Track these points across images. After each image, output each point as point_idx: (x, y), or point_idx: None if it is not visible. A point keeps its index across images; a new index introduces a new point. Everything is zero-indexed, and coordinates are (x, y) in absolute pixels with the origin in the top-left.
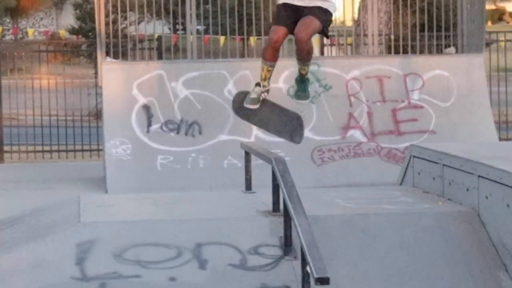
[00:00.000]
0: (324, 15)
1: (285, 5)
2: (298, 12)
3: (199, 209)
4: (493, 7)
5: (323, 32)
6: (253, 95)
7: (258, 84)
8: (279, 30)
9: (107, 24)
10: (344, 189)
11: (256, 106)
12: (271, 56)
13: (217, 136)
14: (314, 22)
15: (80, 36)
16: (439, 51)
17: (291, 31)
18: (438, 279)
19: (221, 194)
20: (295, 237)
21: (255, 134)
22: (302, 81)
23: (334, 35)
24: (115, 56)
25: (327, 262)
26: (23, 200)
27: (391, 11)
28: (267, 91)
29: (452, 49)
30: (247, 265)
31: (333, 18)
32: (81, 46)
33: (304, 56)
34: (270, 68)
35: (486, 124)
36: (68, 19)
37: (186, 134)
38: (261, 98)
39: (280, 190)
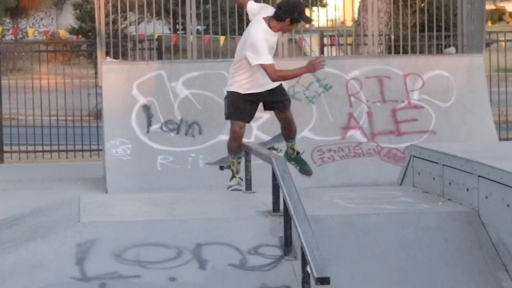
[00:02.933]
0: (285, 94)
1: (241, 95)
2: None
3: (199, 209)
4: (493, 7)
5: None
6: (235, 186)
7: (234, 177)
8: (240, 126)
9: (107, 24)
10: (344, 189)
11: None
12: (237, 148)
13: (217, 136)
14: (289, 114)
15: (80, 36)
16: (439, 51)
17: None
18: (438, 279)
19: (221, 194)
20: (295, 237)
21: (255, 134)
22: (297, 160)
23: (334, 35)
24: (115, 56)
25: (327, 262)
26: (23, 200)
27: (391, 11)
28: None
29: (452, 49)
30: (247, 265)
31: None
32: (81, 46)
33: (292, 131)
34: (239, 160)
35: (486, 124)
36: (68, 19)
37: (186, 134)
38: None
39: (280, 190)
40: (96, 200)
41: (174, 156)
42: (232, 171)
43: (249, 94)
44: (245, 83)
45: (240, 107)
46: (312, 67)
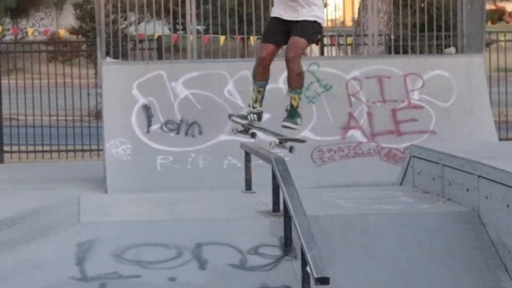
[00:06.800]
0: (311, 28)
1: (275, 19)
2: (287, 26)
3: (199, 209)
4: (493, 7)
5: (314, 42)
6: (243, 112)
7: (248, 105)
8: (268, 48)
9: (107, 24)
10: (344, 189)
11: (243, 122)
12: (261, 75)
13: (217, 136)
14: (300, 42)
15: (80, 36)
16: (439, 51)
17: (280, 46)
18: (438, 279)
19: (221, 194)
20: (295, 237)
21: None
22: (291, 113)
23: (334, 35)
24: (115, 56)
25: (327, 262)
26: (23, 200)
27: (391, 11)
28: (258, 114)
29: (452, 49)
30: (247, 265)
31: (323, 22)
32: (81, 46)
33: (294, 79)
34: (260, 89)
35: (486, 124)
36: (68, 19)
37: (186, 134)
38: (249, 118)
39: (280, 190)
40: (96, 200)
41: (174, 156)
42: (251, 98)
43: (278, 17)
44: (276, 5)
45: (269, 30)
46: None
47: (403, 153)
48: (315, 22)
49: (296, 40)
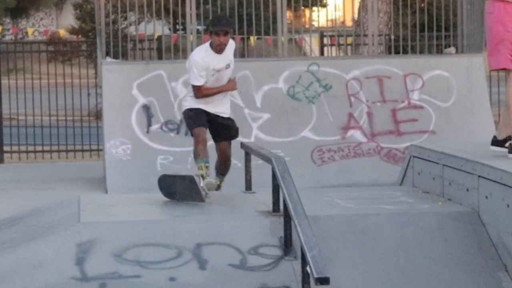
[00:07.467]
0: (234, 129)
1: (197, 108)
2: (210, 116)
3: (199, 209)
4: None
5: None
6: (209, 185)
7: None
8: (202, 130)
9: (107, 24)
10: (344, 189)
11: (213, 190)
12: (203, 152)
13: None
14: (230, 144)
15: (80, 36)
16: (439, 51)
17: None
18: (438, 279)
19: (221, 194)
20: (295, 237)
21: (255, 134)
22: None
23: (334, 35)
24: (115, 56)
25: (327, 262)
26: (23, 200)
27: (391, 11)
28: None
29: (452, 49)
30: (247, 265)
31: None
32: (81, 46)
33: (227, 168)
34: (207, 164)
35: (486, 124)
36: (68, 19)
37: (186, 134)
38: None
39: (280, 190)
40: (96, 200)
41: (174, 156)
42: (202, 176)
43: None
44: (197, 101)
45: (197, 115)
46: (231, 86)
47: (403, 153)
48: (231, 120)
49: (228, 145)
